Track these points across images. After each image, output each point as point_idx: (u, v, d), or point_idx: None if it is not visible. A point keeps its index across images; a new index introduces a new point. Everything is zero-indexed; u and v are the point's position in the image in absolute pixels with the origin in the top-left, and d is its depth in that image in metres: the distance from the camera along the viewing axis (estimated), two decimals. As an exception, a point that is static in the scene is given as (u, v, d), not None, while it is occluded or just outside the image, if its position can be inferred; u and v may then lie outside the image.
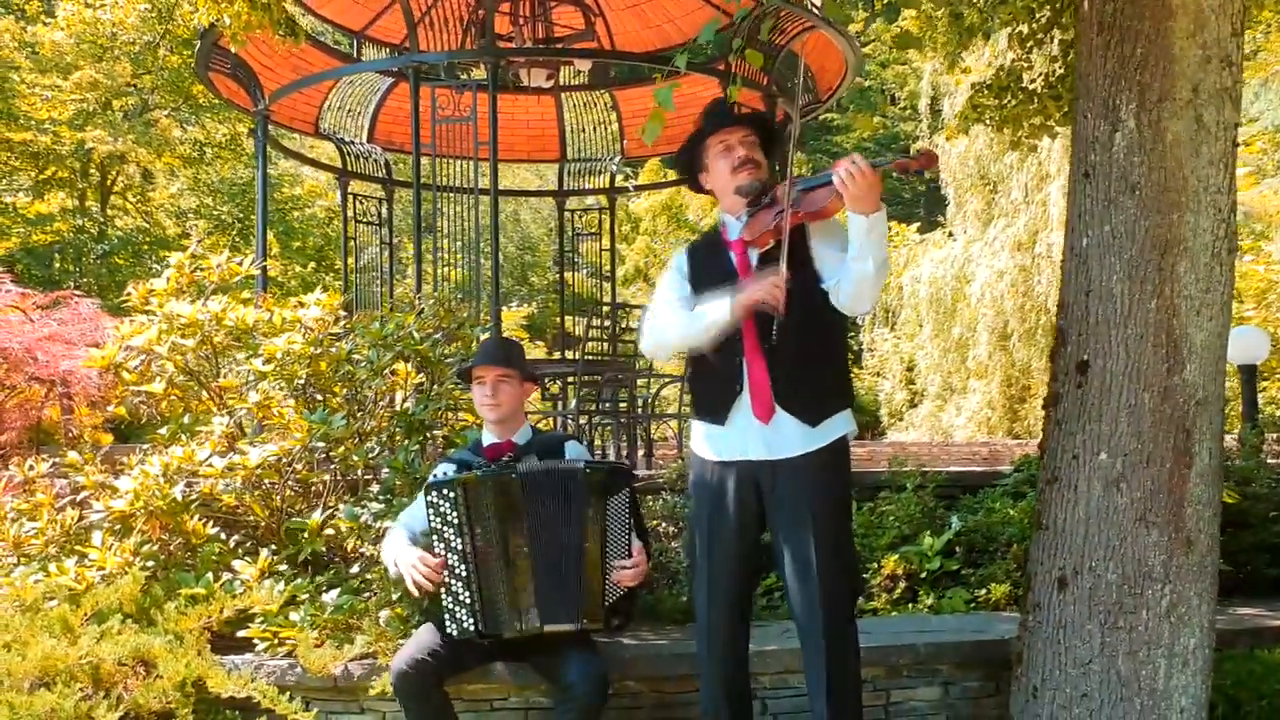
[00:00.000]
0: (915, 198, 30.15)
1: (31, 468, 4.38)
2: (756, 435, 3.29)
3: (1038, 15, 5.73)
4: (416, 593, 3.52)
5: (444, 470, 3.66)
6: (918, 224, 23.61)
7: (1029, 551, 3.71)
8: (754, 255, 3.35)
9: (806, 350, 3.27)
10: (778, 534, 3.32)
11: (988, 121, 6.05)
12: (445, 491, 3.47)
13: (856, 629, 3.33)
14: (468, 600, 3.45)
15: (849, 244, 3.19)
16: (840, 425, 3.34)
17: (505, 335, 6.67)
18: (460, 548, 3.45)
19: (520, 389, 3.74)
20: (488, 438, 3.76)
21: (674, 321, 3.40)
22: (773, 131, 3.57)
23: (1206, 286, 3.35)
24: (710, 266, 3.44)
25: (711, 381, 3.39)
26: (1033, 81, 5.92)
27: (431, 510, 3.50)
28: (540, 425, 8.73)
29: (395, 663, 3.42)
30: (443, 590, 3.49)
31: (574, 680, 3.34)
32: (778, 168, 3.96)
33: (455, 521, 3.45)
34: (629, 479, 3.63)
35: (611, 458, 7.97)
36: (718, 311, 3.26)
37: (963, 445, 13.62)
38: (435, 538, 3.51)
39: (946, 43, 6.14)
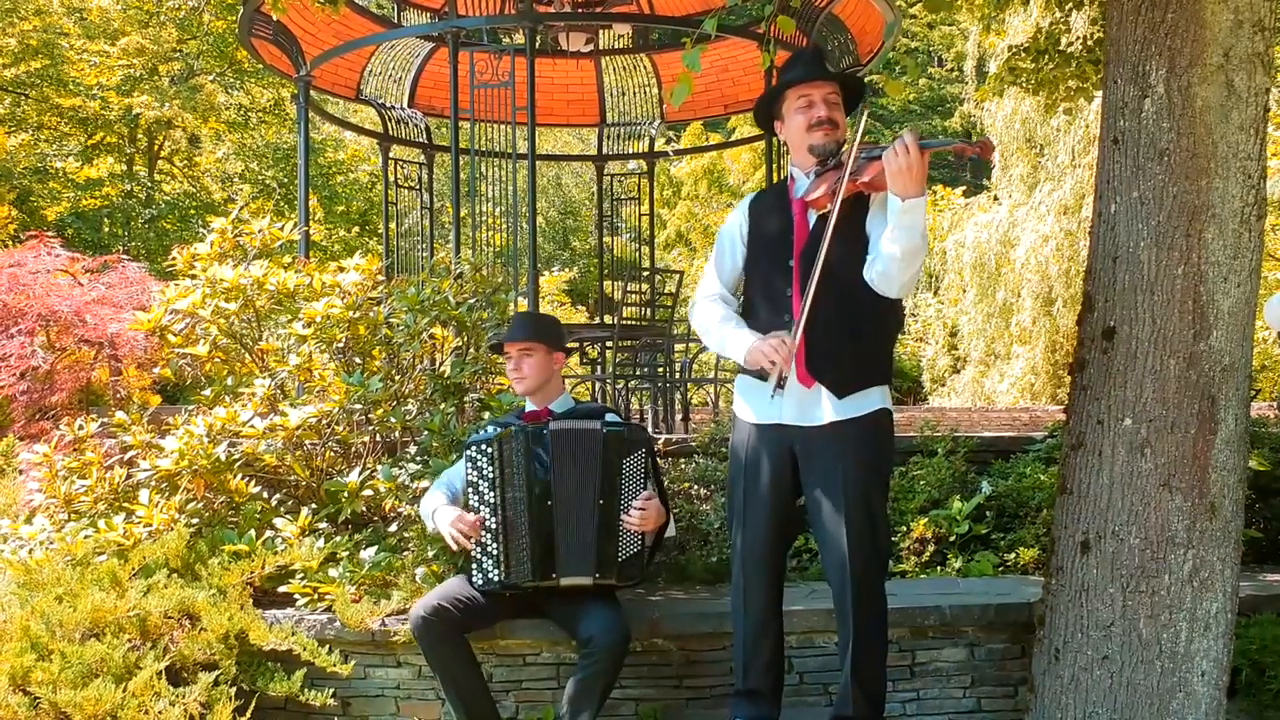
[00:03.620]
0: (961, 161, 29.69)
1: (81, 427, 4.50)
2: (791, 400, 3.32)
3: (1078, -23, 5.68)
4: (455, 548, 3.66)
5: (488, 431, 3.78)
6: (963, 188, 23.31)
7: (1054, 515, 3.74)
8: (812, 216, 3.36)
9: (845, 322, 3.29)
10: (811, 497, 3.37)
11: (1024, 85, 6.00)
12: (484, 447, 3.63)
13: (885, 593, 3.38)
14: (495, 551, 3.58)
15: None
16: (872, 401, 3.36)
17: (537, 309, 6.75)
18: (492, 501, 3.60)
19: (548, 359, 3.83)
20: (529, 406, 3.89)
21: (707, 323, 3.51)
22: (859, 91, 3.48)
23: (1234, 253, 3.33)
24: (768, 222, 3.46)
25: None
26: (1070, 45, 5.87)
27: (470, 465, 3.66)
28: (577, 388, 8.83)
29: (415, 608, 3.54)
30: (472, 541, 3.62)
31: (593, 634, 3.44)
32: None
33: (490, 476, 3.60)
34: (646, 440, 3.75)
35: (649, 422, 8.05)
36: (734, 347, 3.39)
37: (1003, 411, 13.48)
38: (470, 490, 3.66)
39: (983, 4, 6.09)
